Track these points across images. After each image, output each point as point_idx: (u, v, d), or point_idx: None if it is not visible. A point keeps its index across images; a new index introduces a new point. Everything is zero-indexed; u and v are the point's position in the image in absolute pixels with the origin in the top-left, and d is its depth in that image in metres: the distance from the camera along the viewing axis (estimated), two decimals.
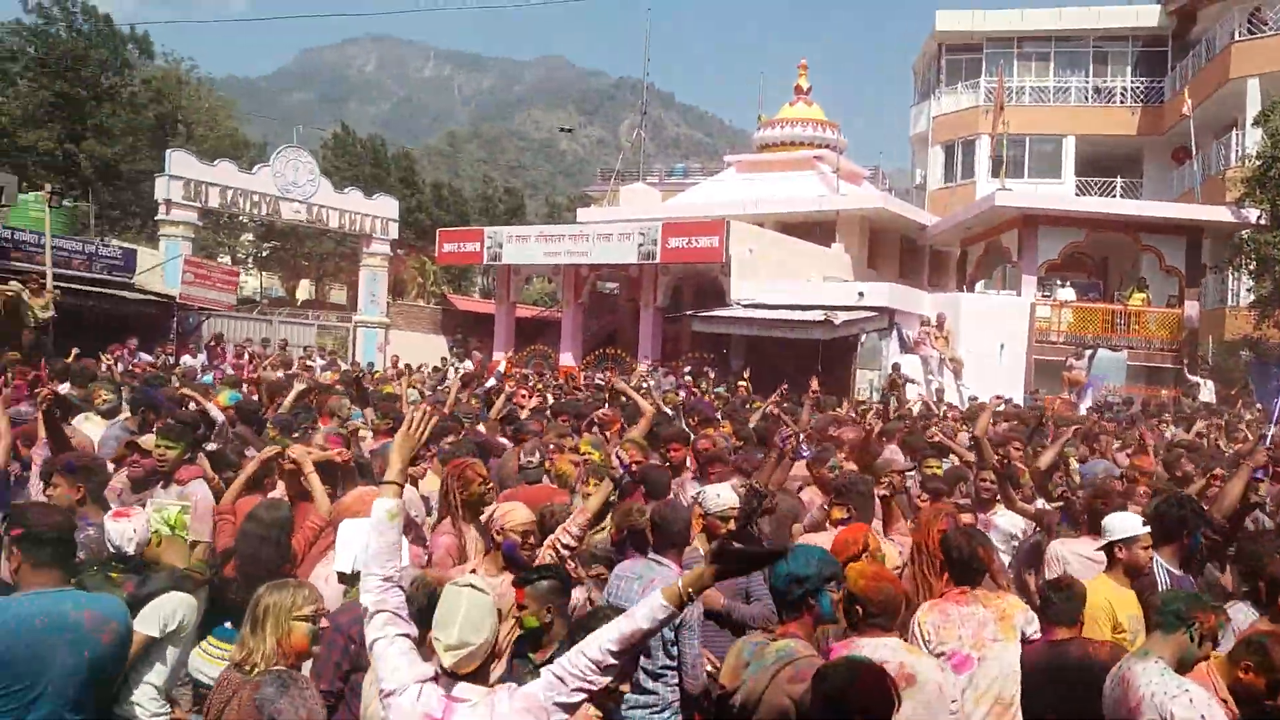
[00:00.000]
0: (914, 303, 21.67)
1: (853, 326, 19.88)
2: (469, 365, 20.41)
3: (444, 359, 24.23)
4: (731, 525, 4.82)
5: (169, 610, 3.69)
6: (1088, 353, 20.42)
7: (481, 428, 8.72)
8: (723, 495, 4.87)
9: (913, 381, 17.23)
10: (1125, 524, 4.55)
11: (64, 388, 8.62)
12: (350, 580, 3.75)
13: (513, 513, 4.32)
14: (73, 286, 17.49)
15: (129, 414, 7.54)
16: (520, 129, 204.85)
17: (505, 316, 26.54)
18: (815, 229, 26.66)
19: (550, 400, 11.68)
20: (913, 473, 6.82)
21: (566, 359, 23.85)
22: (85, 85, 34.24)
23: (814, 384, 11.07)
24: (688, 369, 19.79)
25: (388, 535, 2.77)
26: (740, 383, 17.51)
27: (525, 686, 2.61)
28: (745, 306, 21.71)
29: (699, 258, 22.19)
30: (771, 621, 4.01)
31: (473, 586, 2.67)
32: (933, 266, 30.48)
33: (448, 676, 2.62)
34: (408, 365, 18.62)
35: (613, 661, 2.52)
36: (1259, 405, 16.56)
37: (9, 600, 3.26)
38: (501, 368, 17.70)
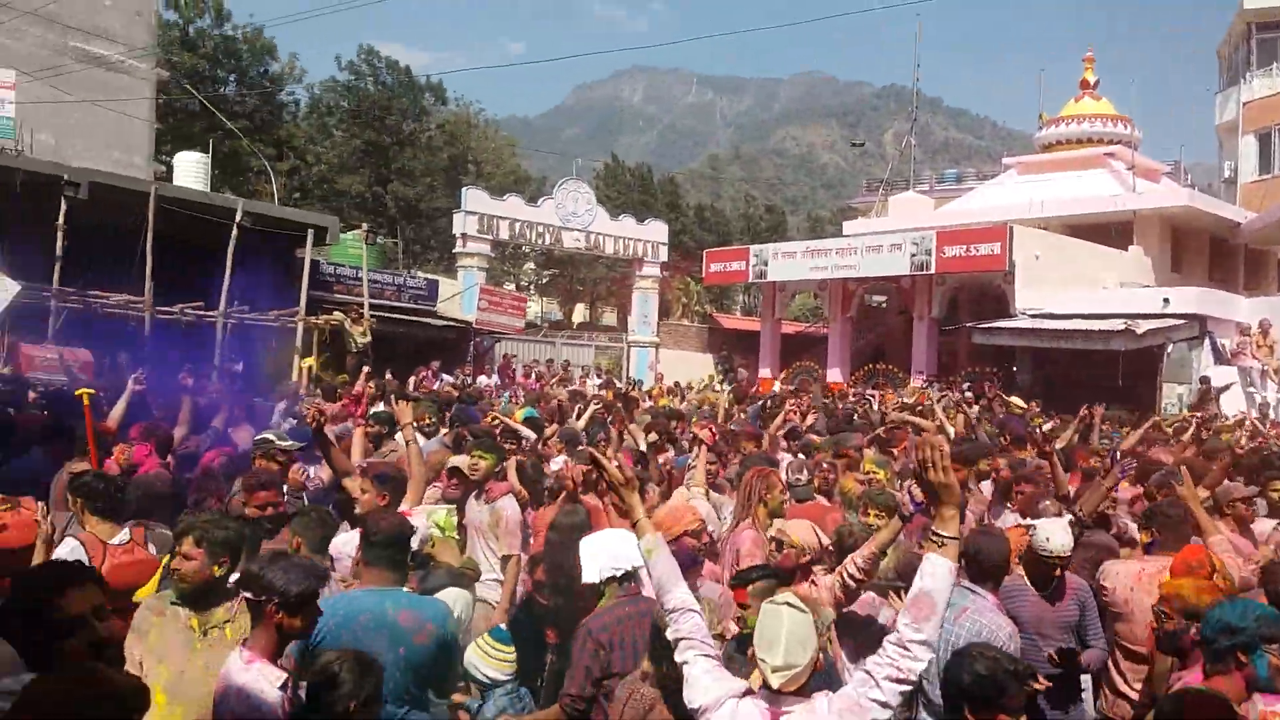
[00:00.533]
0: (1229, 308, 19.49)
1: (1158, 336, 18.13)
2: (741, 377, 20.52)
3: (711, 376, 24.58)
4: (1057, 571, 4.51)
5: (452, 603, 3.91)
6: None
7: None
8: (1054, 539, 4.47)
9: (1224, 391, 15.45)
10: None
11: (379, 406, 9.50)
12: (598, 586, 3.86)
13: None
14: (385, 315, 19.30)
15: (446, 430, 8.17)
16: (780, 146, 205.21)
17: (770, 333, 26.53)
18: (1109, 231, 24.62)
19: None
20: (1259, 497, 6.08)
21: (833, 374, 23.48)
22: (390, 133, 38.03)
23: (1097, 411, 10.12)
24: (966, 385, 18.86)
25: (658, 568, 2.93)
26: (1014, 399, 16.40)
27: (842, 689, 2.62)
28: (1032, 317, 20.42)
29: (979, 266, 21.16)
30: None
31: (790, 605, 2.66)
32: (1249, 268, 27.29)
33: (770, 691, 2.62)
34: (676, 382, 19.04)
35: (917, 638, 2.51)
36: None
37: (344, 597, 3.63)
38: (777, 386, 17.66)
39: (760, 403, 14.83)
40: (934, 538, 2.56)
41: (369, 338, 17.19)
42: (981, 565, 4.11)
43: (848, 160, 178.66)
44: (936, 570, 2.55)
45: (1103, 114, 28.94)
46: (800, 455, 7.57)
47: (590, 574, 3.80)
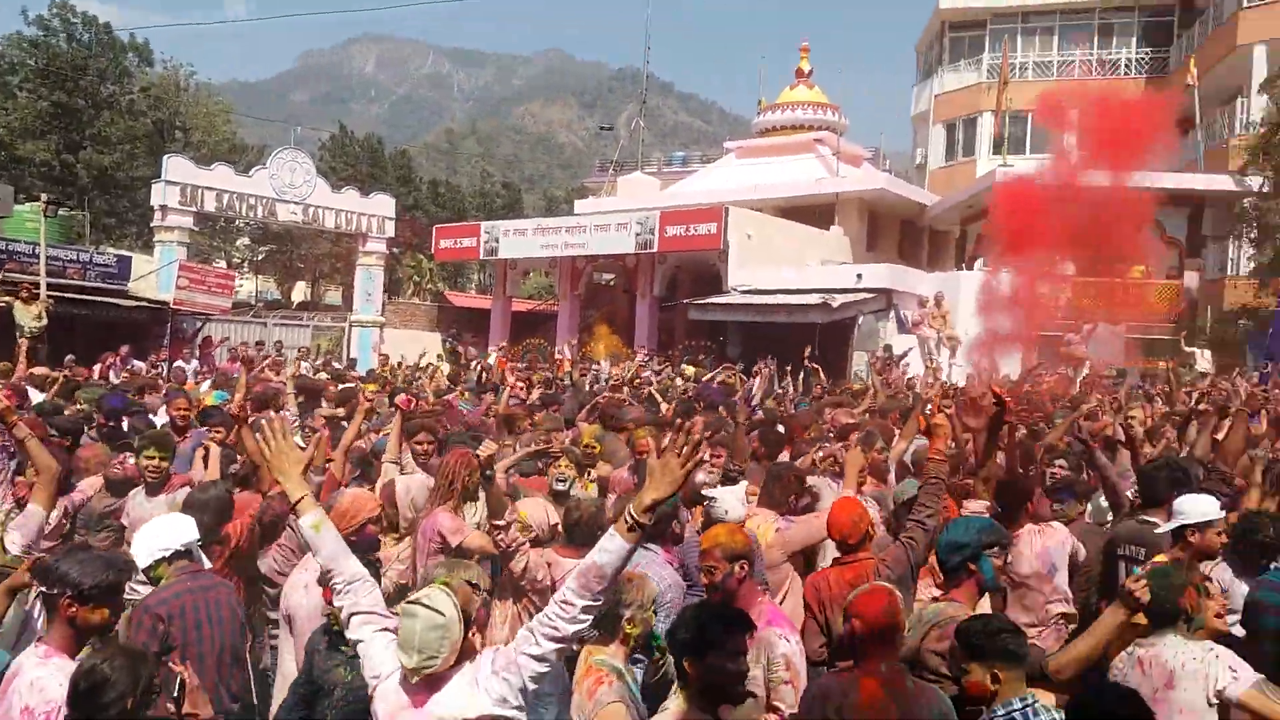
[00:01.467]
0: (913, 283, 21.45)
1: (850, 309, 19.70)
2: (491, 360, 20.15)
3: (438, 355, 24.15)
4: None
5: None
6: (1086, 328, 20.19)
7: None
8: (731, 510, 4.69)
9: (903, 358, 16.98)
10: (1201, 507, 4.25)
11: (38, 396, 8.52)
12: (148, 571, 3.83)
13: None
14: (66, 295, 17.41)
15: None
16: (519, 123, 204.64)
17: (501, 311, 26.44)
18: (815, 212, 26.45)
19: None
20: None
21: (563, 351, 23.76)
22: (84, 95, 34.24)
23: (805, 353, 11.24)
24: (684, 357, 19.65)
25: (327, 544, 2.94)
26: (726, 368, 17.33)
27: (506, 647, 2.76)
28: (742, 293, 21.55)
29: (697, 245, 22.07)
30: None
31: (426, 605, 2.70)
32: (933, 247, 30.23)
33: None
34: (398, 361, 18.51)
35: (580, 603, 2.61)
36: (1255, 373, 16.33)
37: None
38: (492, 359, 17.55)
39: (477, 376, 14.76)
40: (627, 519, 2.61)
41: (44, 321, 15.42)
42: (656, 524, 4.30)
43: (585, 140, 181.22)
44: (613, 546, 2.61)
45: (814, 102, 30.86)
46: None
47: (141, 559, 3.76)
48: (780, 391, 12.78)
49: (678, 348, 21.77)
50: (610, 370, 15.93)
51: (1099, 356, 19.41)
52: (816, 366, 13.58)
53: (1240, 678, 3.18)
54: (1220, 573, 4.22)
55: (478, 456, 4.48)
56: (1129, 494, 5.59)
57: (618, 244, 22.92)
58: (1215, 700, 3.20)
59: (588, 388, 13.11)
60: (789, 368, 14.12)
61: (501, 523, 4.36)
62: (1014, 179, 22.56)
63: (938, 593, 3.93)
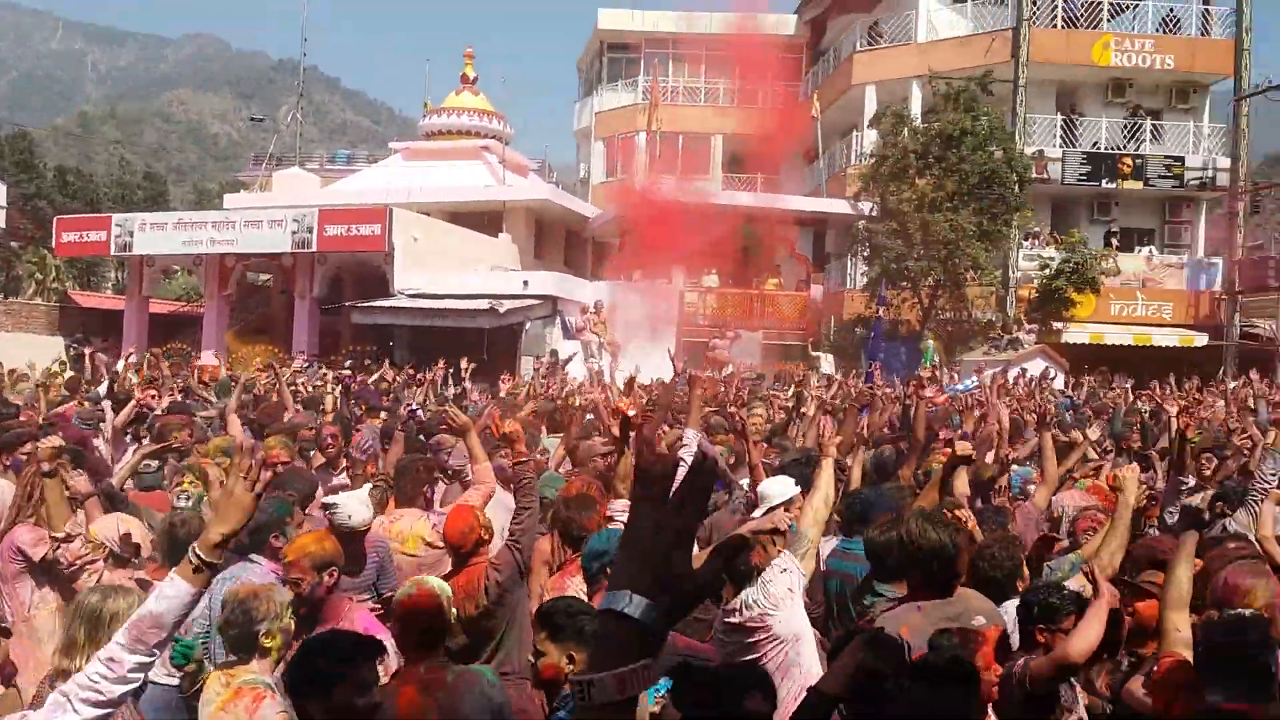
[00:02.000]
0: (576, 291, 22.22)
1: (517, 314, 20.05)
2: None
3: (60, 361, 21.51)
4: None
5: None
6: (730, 334, 22.00)
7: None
8: (355, 515, 4.51)
9: (569, 362, 17.55)
10: (779, 488, 4.63)
11: None
12: None
13: None
14: None
15: None
16: (166, 110, 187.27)
17: (137, 313, 24.07)
18: (484, 219, 26.60)
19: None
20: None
21: (208, 357, 22.05)
22: None
23: (463, 364, 11.32)
24: (348, 362, 18.97)
25: None
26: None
27: (39, 712, 2.31)
28: (410, 296, 21.21)
29: (360, 246, 21.43)
30: None
31: None
32: (596, 257, 31.49)
33: None
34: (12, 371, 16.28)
35: (129, 659, 2.25)
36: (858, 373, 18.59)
37: None
38: (120, 365, 15.90)
39: (109, 385, 13.33)
40: (192, 559, 2.31)
41: None
42: (255, 533, 4.11)
43: (241, 132, 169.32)
44: (174, 592, 2.29)
45: (480, 109, 31.01)
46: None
47: None
48: (446, 395, 12.71)
49: (342, 352, 20.97)
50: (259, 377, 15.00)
51: (741, 360, 21.19)
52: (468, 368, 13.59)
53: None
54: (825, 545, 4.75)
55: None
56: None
57: (272, 242, 21.69)
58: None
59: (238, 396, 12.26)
60: (459, 371, 14.05)
61: (60, 535, 3.93)
62: (648, 194, 24.16)
63: None
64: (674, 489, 1.22)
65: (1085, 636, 3.11)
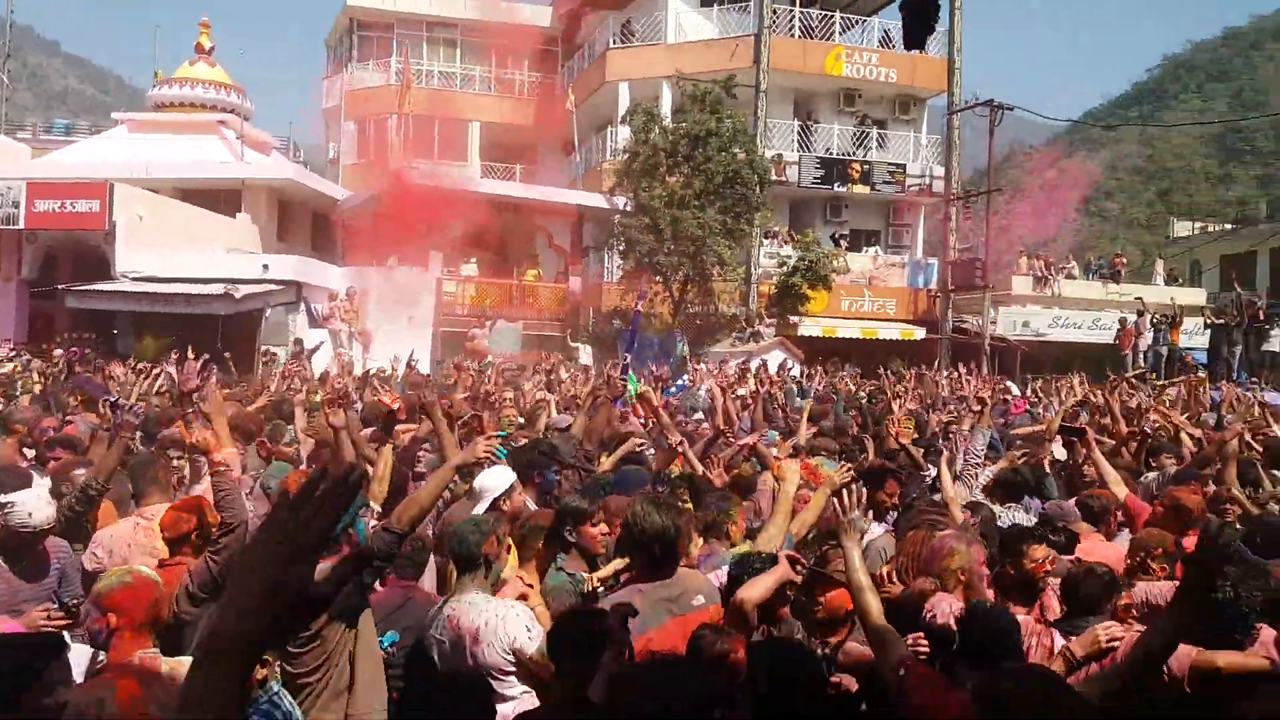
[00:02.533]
0: (324, 276, 21.30)
1: (257, 300, 18.94)
2: None
3: None
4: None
5: None
6: (489, 324, 21.87)
7: None
8: (36, 513, 4.11)
9: (315, 351, 16.83)
10: (496, 480, 4.67)
11: None
12: None
13: None
14: None
15: None
16: None
17: None
18: (220, 198, 24.89)
19: None
20: None
21: None
22: None
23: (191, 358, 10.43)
24: (58, 351, 17.20)
25: None
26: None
27: None
28: (134, 280, 19.53)
29: (76, 223, 19.56)
30: None
31: None
32: (347, 241, 30.29)
33: None
34: None
35: None
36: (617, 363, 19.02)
37: None
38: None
39: None
40: None
41: None
42: None
43: None
44: None
45: (217, 81, 28.94)
46: None
47: None
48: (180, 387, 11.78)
49: (56, 339, 19.00)
50: None
51: (500, 350, 21.12)
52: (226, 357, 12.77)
53: (534, 636, 3.35)
54: None
55: None
56: None
57: None
58: (512, 656, 3.38)
59: None
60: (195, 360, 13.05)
61: None
62: (402, 178, 23.61)
63: None
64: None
65: (756, 586, 3.38)
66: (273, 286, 19.37)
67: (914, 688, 2.90)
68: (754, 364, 17.45)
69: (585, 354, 22.71)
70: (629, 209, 23.13)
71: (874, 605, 3.46)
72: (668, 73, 24.92)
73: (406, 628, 3.80)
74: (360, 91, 32.93)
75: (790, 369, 18.25)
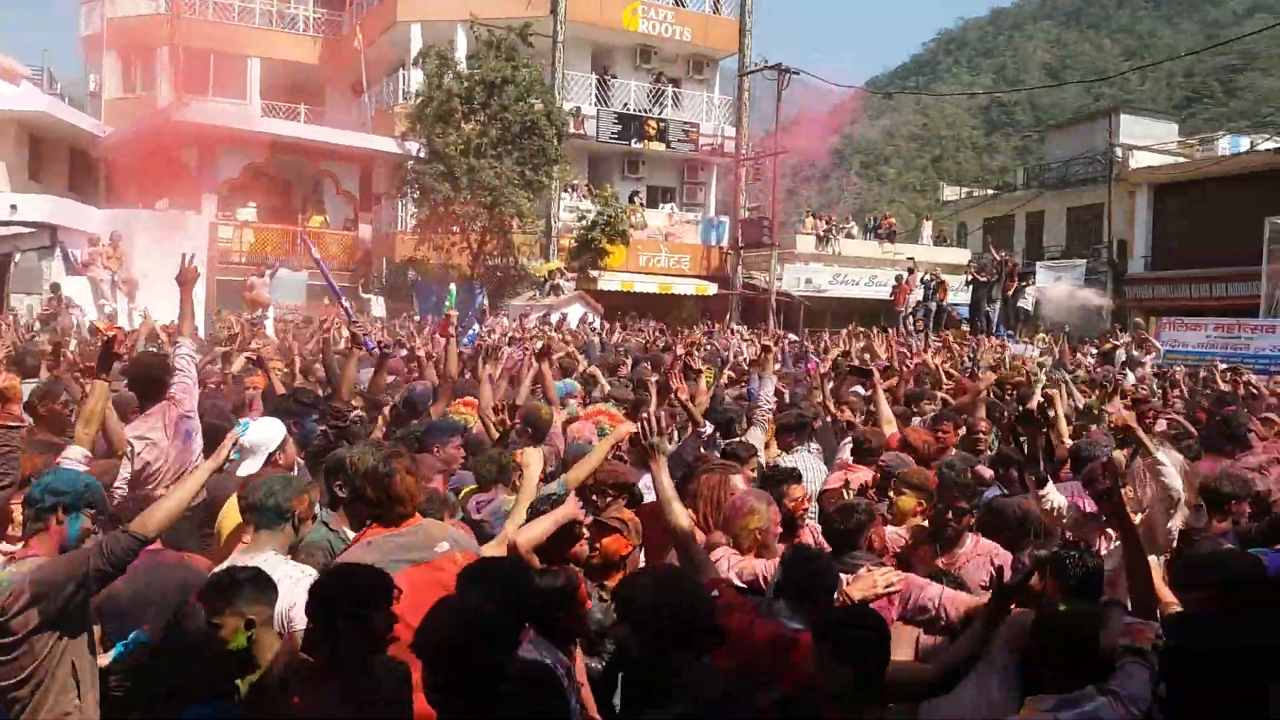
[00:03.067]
0: (83, 219, 19.48)
1: (3, 244, 17.12)
2: None
3: None
4: None
5: None
6: (268, 272, 20.70)
7: None
8: None
9: (76, 306, 15.49)
10: (271, 432, 4.54)
11: None
12: None
13: None
14: None
15: None
16: None
17: None
18: None
19: None
20: None
21: None
22: None
23: None
24: None
25: None
26: None
27: None
28: None
29: None
30: None
31: None
32: (110, 182, 27.81)
33: None
34: None
35: None
36: (418, 317, 18.57)
37: None
38: None
39: None
40: None
41: None
42: None
43: None
44: None
45: None
46: None
47: None
48: None
49: None
50: None
51: (282, 300, 20.06)
52: None
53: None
54: None
55: None
56: None
57: None
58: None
59: None
60: None
61: None
62: (172, 115, 21.96)
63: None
64: None
65: (533, 527, 3.47)
66: (21, 229, 17.56)
67: (724, 610, 3.01)
68: (554, 318, 17.51)
69: (378, 305, 21.98)
70: (423, 155, 22.41)
71: (684, 519, 3.59)
72: (463, 16, 24.16)
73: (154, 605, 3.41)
74: (125, 20, 30.07)
75: (591, 322, 18.39)
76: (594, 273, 24.22)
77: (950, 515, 4.16)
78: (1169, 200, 30.19)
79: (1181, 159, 32.09)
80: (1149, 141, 32.08)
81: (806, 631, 2.95)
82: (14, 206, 17.91)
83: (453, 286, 15.42)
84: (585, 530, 3.62)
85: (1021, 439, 4.67)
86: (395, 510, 3.31)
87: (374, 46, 27.29)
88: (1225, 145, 32.45)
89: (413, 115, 22.37)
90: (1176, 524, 4.17)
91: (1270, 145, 28.45)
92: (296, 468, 4.65)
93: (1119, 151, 30.99)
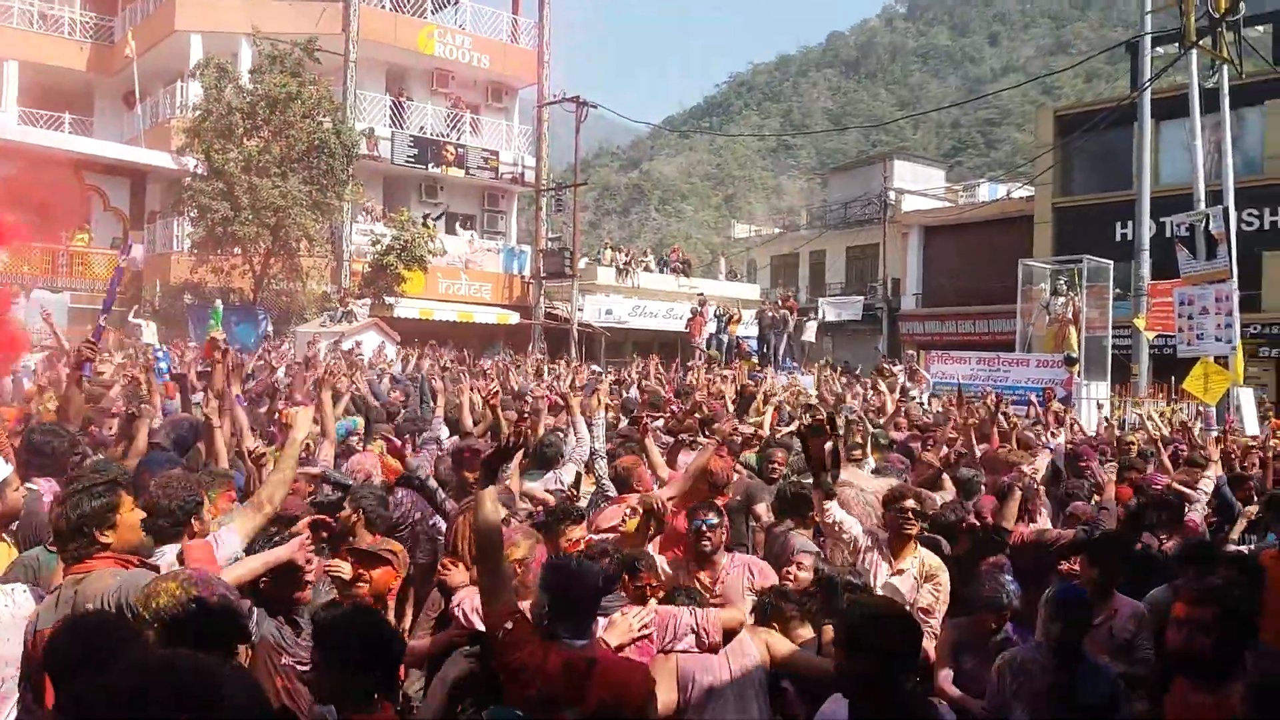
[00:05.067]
0: None
1: None
2: None
3: None
4: None
5: None
6: (23, 295, 18.87)
7: None
8: None
9: None
10: None
11: None
12: None
13: None
14: None
15: None
16: None
17: None
18: None
19: None
20: None
21: None
22: None
23: None
24: None
25: None
26: None
27: None
28: None
29: None
30: None
31: None
32: None
33: None
34: None
35: None
36: (193, 344, 17.35)
37: None
38: None
39: None
40: None
41: None
42: None
43: None
44: None
45: None
46: None
47: None
48: None
49: None
50: None
51: (40, 327, 18.31)
52: None
53: None
54: None
55: None
56: None
57: None
58: None
59: None
60: None
61: None
62: None
63: None
64: None
65: (237, 569, 3.20)
66: None
67: (514, 644, 2.92)
68: (347, 345, 16.81)
69: (149, 332, 20.38)
70: (201, 172, 21.10)
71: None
72: (245, 29, 23.01)
73: None
74: None
75: (385, 351, 17.80)
76: (390, 299, 23.49)
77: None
78: (937, 241, 32.60)
79: (948, 203, 34.81)
80: (920, 186, 34.64)
81: (595, 650, 2.97)
82: None
83: (219, 303, 14.51)
84: (309, 573, 3.38)
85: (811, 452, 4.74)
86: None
87: (148, 56, 25.55)
88: (985, 192, 35.43)
89: (190, 129, 21.05)
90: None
91: (1023, 193, 31.31)
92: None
93: (893, 195, 33.24)
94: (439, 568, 4.05)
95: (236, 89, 20.76)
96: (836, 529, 4.46)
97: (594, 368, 18.69)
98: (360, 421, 8.17)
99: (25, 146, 21.36)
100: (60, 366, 10.26)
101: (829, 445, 4.45)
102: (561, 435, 6.84)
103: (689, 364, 18.60)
